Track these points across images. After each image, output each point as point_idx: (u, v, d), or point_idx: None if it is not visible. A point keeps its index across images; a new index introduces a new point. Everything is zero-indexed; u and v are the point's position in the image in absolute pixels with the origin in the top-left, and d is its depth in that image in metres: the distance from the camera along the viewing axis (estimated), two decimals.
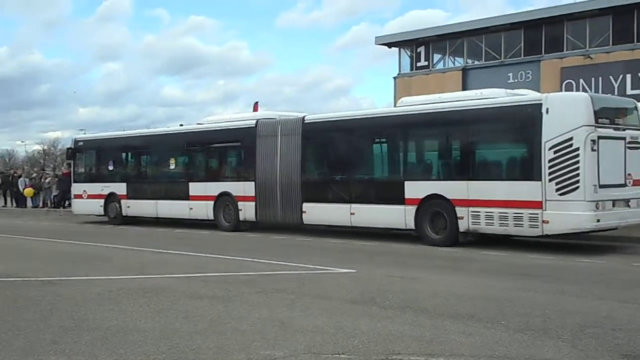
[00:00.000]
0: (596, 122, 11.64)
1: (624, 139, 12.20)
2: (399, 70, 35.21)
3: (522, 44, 28.06)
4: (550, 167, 11.75)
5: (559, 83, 25.66)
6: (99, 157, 21.52)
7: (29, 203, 29.29)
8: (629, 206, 12.32)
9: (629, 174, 12.31)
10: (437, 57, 33.68)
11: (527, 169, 12.23)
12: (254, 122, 17.01)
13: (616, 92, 23.58)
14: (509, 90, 13.59)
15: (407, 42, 33.91)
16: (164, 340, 5.83)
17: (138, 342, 5.75)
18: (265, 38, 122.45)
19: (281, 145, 16.30)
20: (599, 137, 11.62)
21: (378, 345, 5.61)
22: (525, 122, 12.26)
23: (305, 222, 15.72)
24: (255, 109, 20.54)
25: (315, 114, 16.66)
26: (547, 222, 11.83)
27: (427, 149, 14.71)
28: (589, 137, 11.46)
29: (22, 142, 77.44)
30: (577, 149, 11.51)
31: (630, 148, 12.30)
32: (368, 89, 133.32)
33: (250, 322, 6.50)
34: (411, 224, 13.64)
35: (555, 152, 11.72)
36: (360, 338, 5.84)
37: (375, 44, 35.93)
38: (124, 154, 21.07)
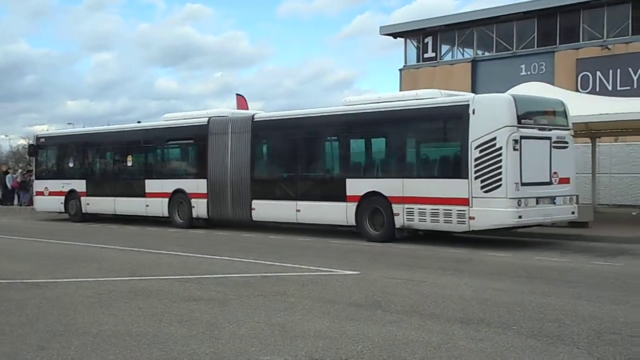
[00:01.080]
0: (519, 122, 12.64)
1: (549, 138, 13.20)
2: (405, 62, 35.22)
3: (536, 34, 28.02)
4: (476, 166, 12.76)
5: (575, 75, 25.62)
6: (60, 154, 22.53)
7: (16, 200, 29.54)
8: (554, 203, 13.37)
9: (555, 172, 13.31)
10: (445, 48, 33.69)
11: (456, 167, 13.26)
12: (207, 119, 18.04)
13: (635, 85, 23.57)
14: (444, 91, 14.47)
15: (414, 32, 33.91)
16: (157, 345, 5.85)
17: (130, 348, 5.77)
18: (265, 28, 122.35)
19: (232, 143, 17.26)
20: (522, 137, 12.61)
21: (383, 351, 5.62)
22: (453, 122, 13.42)
23: (254, 218, 16.76)
24: (240, 102, 20.32)
25: (268, 112, 17.91)
26: (473, 218, 12.87)
27: (366, 148, 15.60)
28: (511, 137, 12.48)
29: (6, 136, 77.41)
30: (500, 148, 12.51)
31: (556, 147, 13.30)
32: (373, 81, 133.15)
33: (248, 326, 6.52)
34: (352, 221, 14.71)
35: (480, 151, 12.71)
36: (365, 343, 5.85)
37: (380, 34, 35.94)
38: (83, 151, 22.00)
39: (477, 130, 12.80)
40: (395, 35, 35.37)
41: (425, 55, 34.20)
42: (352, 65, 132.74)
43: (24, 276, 9.74)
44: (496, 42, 30.12)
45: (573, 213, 13.99)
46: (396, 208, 13.93)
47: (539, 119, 13.29)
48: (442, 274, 9.77)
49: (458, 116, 13.20)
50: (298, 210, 15.66)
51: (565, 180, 13.60)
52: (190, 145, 19.02)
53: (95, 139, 21.66)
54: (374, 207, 14.35)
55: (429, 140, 14.57)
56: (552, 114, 13.69)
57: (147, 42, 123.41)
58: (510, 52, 29.08)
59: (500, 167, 12.56)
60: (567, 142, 13.66)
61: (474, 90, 32.31)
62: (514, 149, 12.51)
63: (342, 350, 5.67)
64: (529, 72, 27.21)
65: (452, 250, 12.83)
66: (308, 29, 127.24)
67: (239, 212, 17.06)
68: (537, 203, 13.02)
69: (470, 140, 12.85)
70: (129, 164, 20.33)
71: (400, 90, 36.28)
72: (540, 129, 13.13)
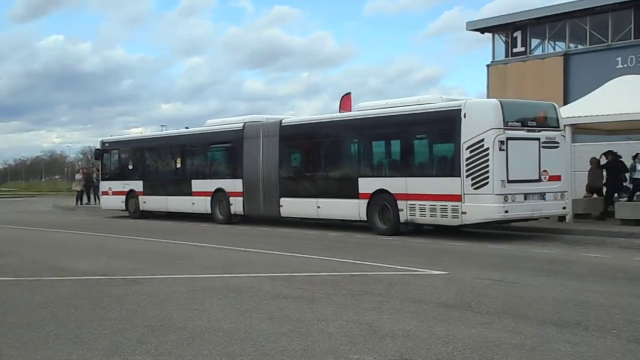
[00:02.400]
0: (505, 125, 13.81)
1: (538, 139, 14.37)
2: (493, 58, 34.40)
3: (632, 25, 26.70)
4: (467, 165, 13.99)
5: None
6: (121, 157, 24.86)
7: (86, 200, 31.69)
8: (544, 199, 14.52)
9: (545, 170, 14.45)
10: (535, 42, 32.65)
11: (450, 167, 14.52)
12: (242, 125, 19.84)
13: None
14: (444, 96, 15.57)
15: (502, 27, 33.05)
16: (249, 341, 5.96)
17: (223, 343, 5.91)
18: (351, 27, 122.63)
19: (263, 146, 18.97)
20: (508, 139, 13.78)
21: (474, 353, 5.51)
22: (448, 125, 14.53)
23: (282, 214, 18.41)
24: (346, 102, 20.60)
25: (295, 117, 19.83)
26: (465, 213, 14.11)
27: (375, 149, 16.85)
28: (497, 138, 13.67)
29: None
30: (487, 149, 13.71)
31: (545, 147, 14.47)
32: (459, 78, 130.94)
33: (337, 324, 6.54)
34: (364, 216, 16.15)
35: (470, 151, 13.93)
36: (455, 344, 5.75)
37: (467, 29, 35.25)
38: (140, 155, 24.13)
39: (468, 133, 13.99)
40: (482, 30, 34.59)
41: (514, 50, 33.24)
42: (438, 62, 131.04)
43: (123, 272, 10.15)
44: (590, 35, 28.93)
45: (564, 208, 15.13)
46: (400, 204, 15.25)
47: (527, 121, 14.36)
48: (535, 275, 9.47)
49: (452, 120, 14.33)
50: (319, 207, 17.22)
51: (555, 178, 14.67)
52: (229, 149, 20.56)
53: (149, 144, 23.98)
54: (383, 203, 15.74)
55: (428, 142, 15.73)
56: (542, 117, 14.73)
57: (236, 45, 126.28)
58: (605, 44, 27.86)
59: (487, 166, 13.73)
60: (557, 143, 14.73)
61: (566, 85, 31.17)
62: (500, 149, 13.68)
63: (431, 351, 5.60)
64: (625, 65, 25.97)
65: (546, 251, 12.44)
66: (393, 27, 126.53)
67: (269, 209, 18.71)
68: (525, 199, 14.16)
69: (462, 142, 14.06)
70: (178, 165, 22.16)
71: (488, 87, 35.41)
72: (528, 131, 14.27)
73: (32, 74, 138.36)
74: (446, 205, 14.37)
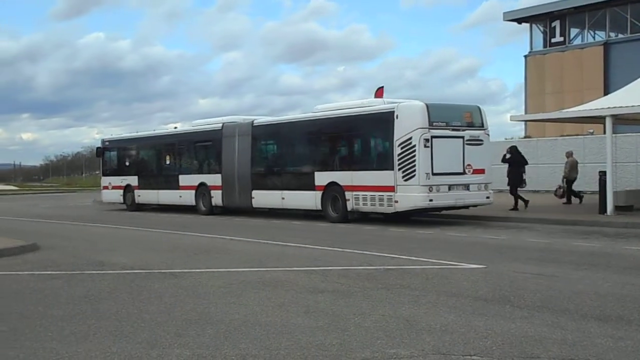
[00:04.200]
0: (430, 125, 15.80)
1: (462, 137, 16.29)
2: (531, 48, 33.83)
3: None
4: (398, 160, 15.99)
5: None
6: (119, 155, 27.06)
7: None
8: (468, 190, 16.51)
9: (469, 165, 16.40)
10: (574, 31, 32.02)
11: (386, 162, 16.43)
12: (221, 125, 21.90)
13: None
14: (387, 99, 17.52)
15: (539, 17, 32.49)
16: (285, 335, 5.97)
17: (260, 337, 5.93)
18: (387, 20, 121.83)
19: (238, 144, 21.02)
20: (433, 137, 15.77)
21: (514, 348, 5.43)
22: (384, 125, 16.46)
23: (254, 205, 20.60)
24: (379, 94, 20.86)
25: (265, 117, 21.80)
26: (397, 201, 16.10)
27: (328, 146, 18.85)
28: (422, 136, 15.67)
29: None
30: (414, 145, 15.71)
31: (470, 144, 16.39)
32: (497, 70, 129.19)
33: (373, 318, 6.51)
34: (319, 206, 18.14)
35: (401, 148, 15.92)
36: (494, 339, 5.68)
37: (504, 20, 34.74)
38: (135, 152, 26.53)
39: (399, 131, 16.01)
40: (519, 20, 34.04)
41: (553, 40, 32.64)
42: (475, 54, 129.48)
43: (161, 266, 10.28)
44: (631, 23, 28.21)
45: (488, 198, 16.95)
46: (348, 195, 17.32)
47: (452, 121, 16.26)
48: (576, 269, 9.30)
49: (387, 120, 16.33)
50: (283, 198, 19.37)
51: (479, 171, 16.61)
52: (210, 147, 22.60)
53: (143, 142, 26.15)
54: (334, 194, 17.76)
55: (368, 140, 17.72)
56: (466, 117, 16.61)
57: (273, 40, 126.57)
58: None
59: (414, 161, 15.72)
60: (481, 140, 16.66)
61: (606, 75, 30.47)
62: (425, 146, 15.65)
63: (469, 345, 5.53)
64: None
65: (587, 244, 12.22)
66: (430, 19, 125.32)
67: (244, 201, 20.81)
68: (450, 189, 16.17)
69: (394, 140, 16.08)
70: (168, 162, 24.57)
71: (526, 78, 34.83)
72: (453, 130, 16.18)
73: (73, 71, 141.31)
74: (383, 195, 16.42)
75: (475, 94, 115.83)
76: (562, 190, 20.61)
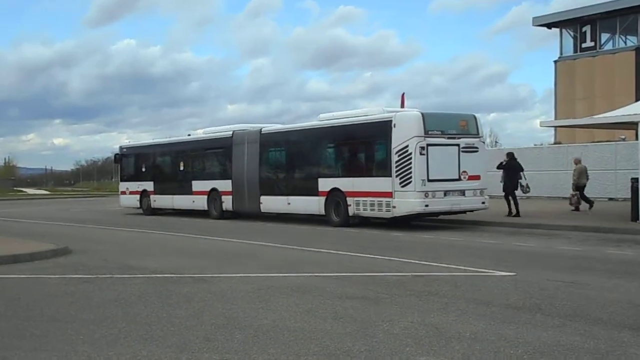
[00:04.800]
0: (426, 133, 16.44)
1: (457, 145, 16.96)
2: (561, 54, 33.45)
3: None
4: (396, 167, 16.67)
5: None
6: (136, 161, 27.92)
7: None
8: (464, 195, 17.12)
9: (464, 171, 17.02)
10: (605, 36, 31.59)
11: (384, 169, 17.12)
12: (231, 132, 22.67)
13: None
14: (386, 108, 18.16)
15: (570, 22, 32.12)
16: (314, 341, 5.96)
17: (288, 342, 5.92)
18: (415, 25, 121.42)
19: (247, 151, 21.76)
20: (429, 145, 16.43)
21: (545, 357, 5.34)
22: (383, 134, 17.15)
23: (262, 210, 21.24)
24: (402, 101, 21.07)
25: (274, 125, 22.51)
26: (395, 207, 16.78)
27: (331, 154, 19.62)
28: (418, 144, 16.33)
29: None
30: (411, 153, 16.37)
31: (465, 151, 17.05)
32: (526, 75, 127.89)
33: (402, 325, 6.47)
34: (322, 211, 18.83)
35: (399, 155, 16.60)
36: (525, 348, 5.60)
37: (533, 25, 34.43)
38: (150, 158, 27.25)
39: (397, 140, 16.68)
40: (549, 25, 33.71)
41: (583, 45, 32.24)
42: (504, 59, 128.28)
43: (192, 271, 10.33)
44: None
45: (483, 203, 17.49)
46: (349, 200, 17.99)
47: (448, 130, 16.91)
48: (609, 277, 9.13)
49: (385, 129, 17.00)
50: (289, 203, 20.06)
51: (474, 177, 17.20)
52: (221, 153, 23.34)
53: (158, 149, 26.98)
54: (337, 200, 18.43)
55: (368, 148, 18.34)
56: (462, 125, 17.24)
57: (300, 46, 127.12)
58: None
59: (411, 168, 16.37)
60: (476, 147, 17.35)
61: (638, 79, 29.96)
62: (421, 154, 16.32)
63: (500, 354, 5.46)
64: None
65: (620, 252, 12.01)
66: (458, 24, 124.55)
67: (253, 205, 21.41)
68: (445, 195, 16.78)
69: (392, 147, 16.76)
70: (181, 168, 25.12)
71: (556, 84, 34.41)
72: (449, 138, 16.85)
73: (105, 77, 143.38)
74: (382, 201, 17.12)
75: (504, 99, 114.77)
76: (576, 197, 20.37)
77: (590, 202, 20.36)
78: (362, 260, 11.51)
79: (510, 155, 19.80)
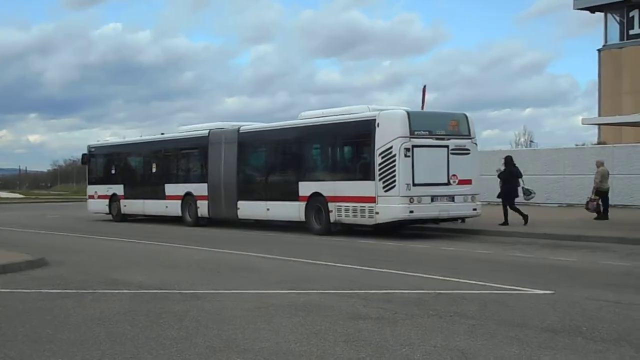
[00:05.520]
0: (412, 134, 17.00)
1: (446, 147, 17.52)
2: (605, 41, 33.41)
3: None
4: (379, 170, 17.25)
5: None
6: (105, 162, 28.80)
7: None
8: (453, 201, 17.69)
9: (454, 175, 17.58)
10: None
11: (367, 172, 17.74)
12: (207, 131, 23.29)
13: None
14: (372, 106, 18.60)
15: (615, 5, 32.06)
16: None
17: None
18: (440, 8, 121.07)
19: (224, 152, 22.34)
20: (414, 146, 16.97)
21: None
22: (365, 134, 17.79)
23: (239, 217, 21.89)
24: (423, 95, 21.16)
25: (252, 124, 23.14)
26: (378, 213, 17.37)
27: (311, 155, 20.53)
28: (402, 146, 16.86)
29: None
30: (395, 155, 16.93)
31: (454, 154, 17.57)
32: (567, 64, 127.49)
33: (423, 350, 6.47)
34: (303, 217, 19.51)
35: (382, 157, 17.16)
36: None
37: (574, 8, 34.40)
38: (121, 160, 28.18)
39: (380, 140, 17.26)
40: (592, 9, 33.67)
41: (631, 32, 32.17)
42: (542, 46, 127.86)
43: (182, 286, 10.37)
44: None
45: (475, 210, 18.13)
46: (331, 206, 18.62)
47: (436, 130, 17.52)
48: None
49: (368, 129, 17.62)
50: (268, 209, 20.73)
51: (465, 182, 17.78)
52: (196, 154, 24.20)
53: (129, 149, 27.87)
54: (318, 205, 19.08)
55: (350, 149, 19.27)
56: (452, 126, 17.80)
57: (309, 31, 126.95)
58: None
59: (395, 171, 16.93)
60: (467, 150, 17.85)
61: None
62: (406, 156, 16.83)
63: None
64: None
65: None
66: (490, 7, 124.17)
67: (229, 211, 22.05)
68: (433, 200, 17.37)
69: (375, 149, 17.33)
70: (154, 170, 25.94)
71: (600, 74, 34.35)
72: (437, 139, 17.43)
73: (86, 66, 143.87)
74: (364, 207, 17.71)
75: (541, 93, 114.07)
76: (595, 203, 20.42)
77: (605, 211, 20.41)
78: (373, 275, 11.54)
79: (508, 159, 20.17)
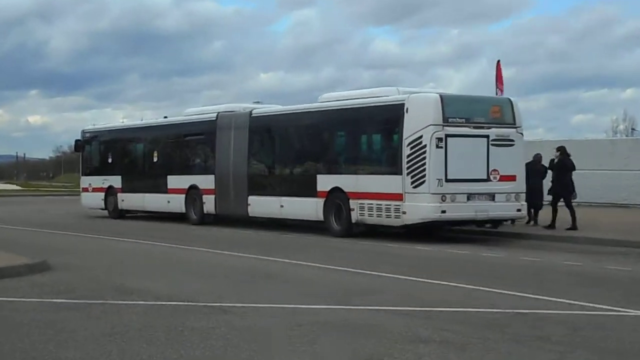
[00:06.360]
0: (445, 121, 16.99)
1: (486, 136, 17.45)
2: None
3: None
4: (407, 162, 17.25)
5: None
6: (101, 149, 29.37)
7: None
8: (494, 200, 17.64)
9: (494, 170, 17.52)
10: None
11: (393, 164, 17.85)
12: (215, 115, 23.43)
13: None
14: (402, 88, 18.67)
15: None
16: None
17: None
18: None
19: (234, 138, 22.57)
20: (447, 135, 16.94)
21: None
22: (393, 120, 17.95)
23: (250, 214, 22.14)
24: (498, 71, 21.00)
25: (267, 106, 23.48)
26: (405, 212, 17.39)
27: (331, 144, 20.68)
28: (434, 135, 16.84)
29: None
30: (425, 145, 16.91)
31: (495, 145, 17.52)
32: None
33: None
34: (321, 216, 19.66)
35: (411, 148, 17.18)
36: None
37: None
38: (119, 147, 28.53)
39: (409, 128, 17.27)
40: None
41: None
42: None
43: (206, 298, 10.30)
44: None
45: (519, 210, 18.25)
46: (352, 204, 18.70)
47: (474, 117, 17.58)
48: None
49: (396, 115, 17.67)
50: (282, 206, 20.84)
51: (508, 178, 17.76)
52: (202, 141, 24.54)
53: (128, 134, 28.21)
54: (338, 202, 19.21)
55: (376, 138, 19.54)
56: (493, 112, 17.87)
57: None
58: None
59: (425, 164, 16.93)
60: (512, 140, 17.81)
61: None
62: (437, 147, 16.82)
63: None
64: None
65: None
66: None
67: (239, 208, 22.27)
68: (469, 199, 17.34)
69: (404, 138, 17.37)
70: (155, 159, 26.27)
71: None
72: (475, 127, 17.46)
73: (97, 33, 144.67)
74: (390, 205, 17.75)
75: None
76: None
77: None
78: (430, 288, 11.44)
79: (562, 150, 20.01)
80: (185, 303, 9.95)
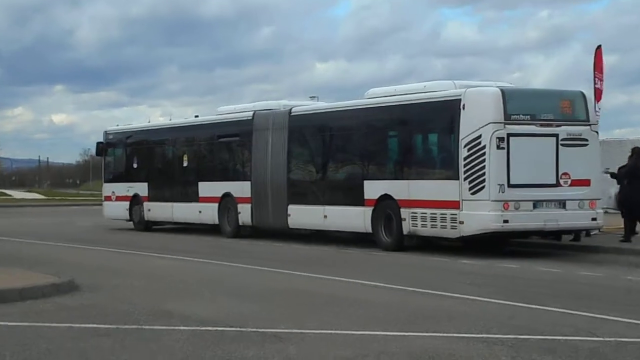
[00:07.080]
0: (507, 118, 17.03)
1: (555, 135, 17.36)
2: None
3: None
4: (465, 166, 17.28)
5: None
6: (125, 153, 29.83)
7: None
8: (564, 208, 17.57)
9: (565, 174, 17.40)
10: None
11: (449, 168, 18.06)
12: (252, 113, 23.74)
13: None
14: (459, 82, 18.68)
15: None
16: None
17: None
18: None
19: (272, 140, 22.84)
20: (510, 135, 16.96)
21: None
22: (447, 118, 18.13)
23: (290, 225, 22.33)
24: (597, 59, 20.73)
25: (307, 103, 23.82)
26: (462, 222, 17.43)
27: (380, 146, 20.71)
28: (494, 134, 16.81)
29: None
30: (484, 146, 16.88)
31: (567, 145, 17.41)
32: None
33: None
34: (369, 227, 19.83)
35: (468, 149, 17.17)
36: None
37: None
38: (145, 150, 29.12)
39: (467, 127, 17.28)
40: None
41: None
42: None
43: (257, 323, 10.27)
44: None
45: (594, 219, 17.94)
46: (404, 213, 18.83)
47: (541, 114, 17.51)
48: None
49: (451, 112, 17.79)
50: (325, 216, 21.08)
51: (581, 182, 17.60)
52: (237, 143, 25.03)
53: (154, 135, 28.73)
54: (387, 212, 19.32)
55: (429, 138, 19.77)
56: (563, 107, 17.78)
57: None
58: None
59: (484, 167, 16.95)
60: (585, 140, 17.66)
61: None
62: (499, 148, 16.83)
63: None
64: None
65: None
66: None
67: (278, 219, 22.56)
68: (535, 207, 17.35)
69: (460, 138, 17.41)
70: (184, 164, 26.57)
71: None
72: (541, 125, 17.45)
73: (130, 20, 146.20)
74: (445, 214, 17.84)
75: None
76: None
77: None
78: (517, 311, 11.26)
79: (637, 151, 19.74)
80: (234, 329, 9.96)
